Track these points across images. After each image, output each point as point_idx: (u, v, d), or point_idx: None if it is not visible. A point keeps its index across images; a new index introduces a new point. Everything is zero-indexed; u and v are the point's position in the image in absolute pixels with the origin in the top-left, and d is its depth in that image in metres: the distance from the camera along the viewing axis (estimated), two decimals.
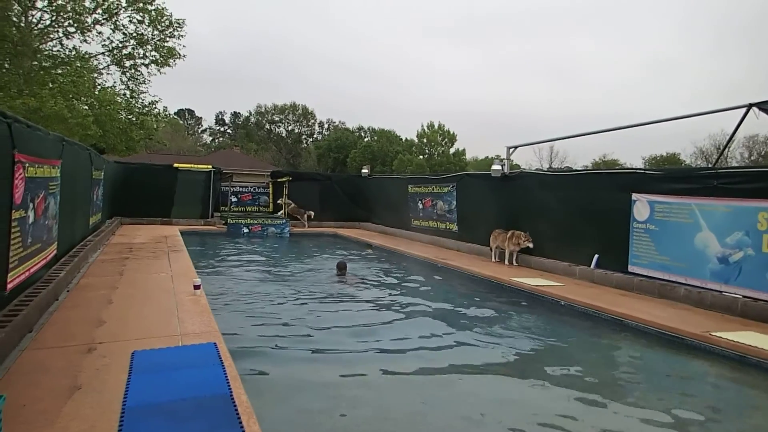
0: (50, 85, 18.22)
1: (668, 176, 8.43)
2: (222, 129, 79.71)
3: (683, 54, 79.78)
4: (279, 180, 19.17)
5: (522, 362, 5.44)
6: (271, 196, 19.93)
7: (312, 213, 19.21)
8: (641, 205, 8.48)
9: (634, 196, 8.61)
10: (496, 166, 12.01)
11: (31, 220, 5.36)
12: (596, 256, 9.31)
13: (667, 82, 77.69)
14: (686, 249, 7.71)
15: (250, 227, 16.87)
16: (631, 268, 8.62)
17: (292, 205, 19.09)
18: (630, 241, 8.65)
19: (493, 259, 11.53)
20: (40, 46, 20.20)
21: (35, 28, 19.65)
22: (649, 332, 6.32)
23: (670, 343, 6.01)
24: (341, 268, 10.17)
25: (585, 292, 8.16)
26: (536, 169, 26.85)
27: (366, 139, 63.78)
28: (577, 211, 9.86)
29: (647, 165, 48.79)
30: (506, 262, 11.04)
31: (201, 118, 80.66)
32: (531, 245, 10.51)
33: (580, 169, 24.48)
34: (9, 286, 4.68)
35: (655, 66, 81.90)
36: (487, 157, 63.04)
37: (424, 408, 4.16)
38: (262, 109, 72.41)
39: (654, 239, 8.24)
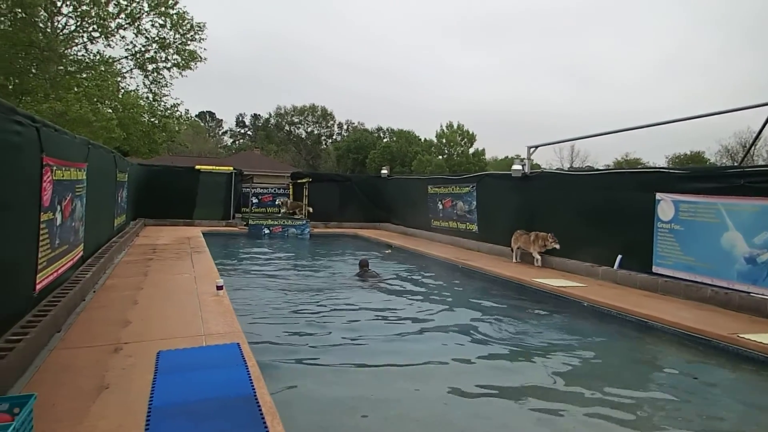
0: (75, 89, 18.57)
1: (693, 175, 8.29)
2: (242, 131, 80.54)
3: (705, 51, 78.31)
4: (299, 181, 19.28)
5: (543, 364, 5.37)
6: (291, 197, 20.05)
7: (311, 209, 19.06)
8: (666, 205, 8.34)
9: (659, 195, 8.47)
10: (516, 166, 11.93)
11: (58, 222, 5.47)
12: (619, 256, 9.18)
13: (689, 79, 76.60)
14: (712, 249, 7.57)
15: (270, 228, 17.01)
16: (655, 269, 8.49)
17: (290, 201, 19.31)
18: (654, 241, 8.51)
19: (513, 260, 11.42)
20: (66, 51, 20.63)
21: (61, 33, 20.09)
22: (675, 334, 6.20)
23: (696, 344, 5.90)
24: (363, 266, 10.17)
25: (608, 293, 8.05)
26: (557, 169, 26.60)
27: (385, 140, 63.80)
28: (599, 211, 9.73)
29: (670, 164, 47.94)
30: (534, 264, 10.82)
31: (222, 120, 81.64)
32: (557, 246, 10.29)
33: (602, 168, 24.18)
34: (38, 286, 4.78)
35: (676, 63, 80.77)
36: (507, 156, 62.60)
37: (446, 408, 4.15)
38: (282, 111, 73.00)
39: (679, 239, 8.10)
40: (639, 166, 34.44)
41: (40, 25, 19.16)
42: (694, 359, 5.70)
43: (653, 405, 4.41)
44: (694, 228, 7.88)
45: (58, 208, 5.43)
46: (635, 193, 8.96)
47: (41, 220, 4.78)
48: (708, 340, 5.85)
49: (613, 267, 9.21)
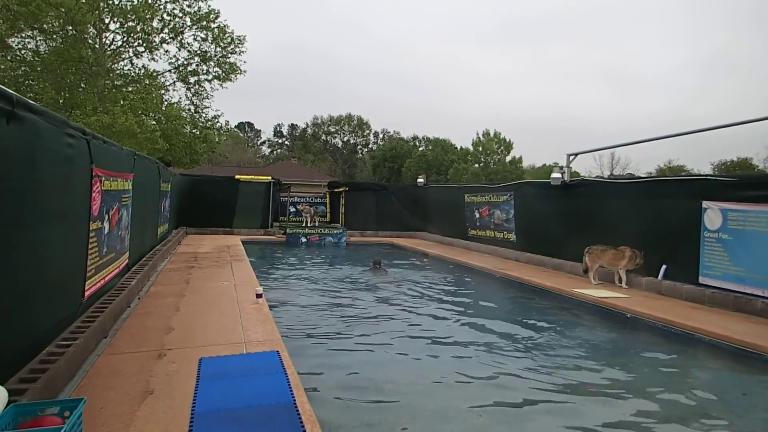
0: (121, 102, 19.23)
1: (743, 182, 7.95)
2: (280, 141, 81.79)
3: (748, 54, 75.47)
4: (336, 190, 19.45)
5: (584, 378, 5.23)
6: (328, 206, 20.21)
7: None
8: (713, 214, 8.06)
9: (705, 203, 8.20)
10: (555, 174, 11.75)
11: (106, 230, 5.65)
12: (664, 266, 8.91)
13: (731, 84, 74.16)
14: (764, 259, 7.27)
15: (308, 237, 17.18)
16: (702, 280, 8.20)
17: (311, 209, 19.64)
18: (701, 251, 8.23)
19: (593, 281, 9.71)
20: (113, 66, 21.41)
21: (108, 49, 20.85)
22: (724, 347, 5.98)
23: (746, 359, 5.67)
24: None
25: (653, 304, 7.82)
26: (597, 177, 26.05)
27: (421, 149, 63.81)
28: (642, 219, 9.48)
29: (716, 171, 46.31)
30: (622, 285, 9.39)
31: (260, 130, 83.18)
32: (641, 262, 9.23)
33: (644, 176, 23.53)
34: (86, 293, 4.95)
35: (718, 68, 78.34)
36: (545, 164, 61.71)
37: (483, 421, 4.09)
38: (318, 121, 73.92)
39: (728, 249, 7.81)
40: (683, 174, 33.44)
41: (89, 41, 19.93)
42: (743, 373, 5.47)
43: (701, 419, 4.24)
44: (744, 237, 7.58)
45: (106, 217, 5.61)
46: (680, 201, 8.70)
47: (90, 229, 4.95)
48: (759, 354, 5.62)
49: (657, 277, 8.95)
